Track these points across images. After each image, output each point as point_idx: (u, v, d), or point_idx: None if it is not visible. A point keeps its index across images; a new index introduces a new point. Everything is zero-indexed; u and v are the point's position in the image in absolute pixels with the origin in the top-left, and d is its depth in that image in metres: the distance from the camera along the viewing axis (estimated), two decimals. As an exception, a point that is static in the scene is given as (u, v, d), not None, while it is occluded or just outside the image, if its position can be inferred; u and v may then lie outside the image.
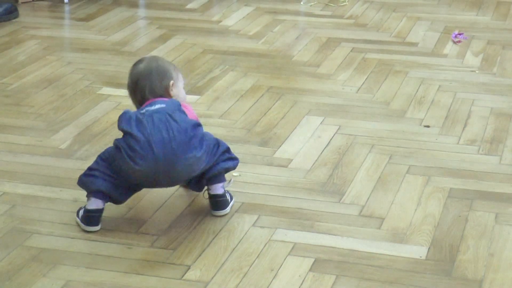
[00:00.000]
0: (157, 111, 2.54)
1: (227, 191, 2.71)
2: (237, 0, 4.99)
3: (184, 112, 2.56)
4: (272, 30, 4.45)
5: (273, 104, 3.49)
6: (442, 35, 4.33)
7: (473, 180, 2.87)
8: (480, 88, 3.65)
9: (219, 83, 3.73)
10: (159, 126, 2.49)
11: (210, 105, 3.50)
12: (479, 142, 3.15)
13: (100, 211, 2.57)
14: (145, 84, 2.65)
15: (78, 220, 2.60)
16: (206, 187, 2.66)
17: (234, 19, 4.66)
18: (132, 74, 2.71)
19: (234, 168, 2.69)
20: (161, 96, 2.64)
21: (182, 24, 4.55)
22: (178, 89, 2.70)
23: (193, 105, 3.47)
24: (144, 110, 2.56)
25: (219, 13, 4.77)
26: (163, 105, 2.56)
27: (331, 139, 3.18)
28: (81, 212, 2.60)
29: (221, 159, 2.63)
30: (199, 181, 2.65)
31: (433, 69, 3.88)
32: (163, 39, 4.32)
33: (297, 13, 4.78)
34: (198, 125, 2.56)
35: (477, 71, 3.85)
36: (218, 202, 2.66)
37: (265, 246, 2.49)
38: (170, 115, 2.51)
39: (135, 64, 2.73)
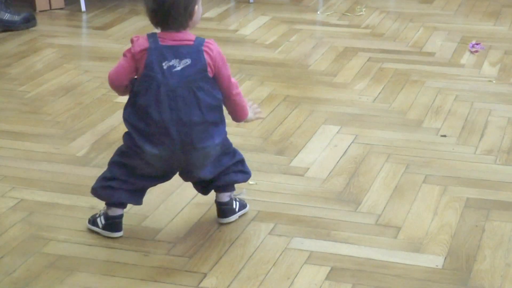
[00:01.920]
0: (179, 80, 2.40)
1: (240, 199, 2.72)
2: (253, 10, 5.01)
3: (208, 80, 2.43)
4: (288, 39, 4.47)
5: (290, 113, 3.51)
6: (459, 45, 4.33)
7: (490, 190, 2.87)
8: (497, 98, 3.65)
9: (235, 92, 3.75)
10: (181, 108, 2.42)
11: (226, 114, 3.50)
12: (496, 152, 3.15)
13: (122, 216, 2.60)
14: (170, 12, 2.42)
15: (96, 228, 2.62)
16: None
17: (250, 28, 4.68)
18: None
19: (243, 182, 2.69)
20: (182, 25, 2.43)
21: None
22: (199, 12, 2.49)
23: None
24: (166, 67, 2.40)
25: (236, 22, 4.80)
26: (188, 62, 2.41)
27: (347, 148, 3.19)
28: (99, 220, 2.62)
29: (233, 170, 2.62)
30: (205, 186, 2.65)
31: (450, 79, 3.88)
32: (180, 48, 4.34)
33: (313, 22, 4.79)
34: (219, 105, 2.49)
35: (494, 81, 3.85)
36: (222, 210, 2.67)
37: (281, 254, 2.50)
38: (194, 92, 2.41)
39: None
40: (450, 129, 3.34)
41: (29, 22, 4.64)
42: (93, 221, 2.65)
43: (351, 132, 3.33)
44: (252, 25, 4.73)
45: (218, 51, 2.48)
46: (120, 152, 2.58)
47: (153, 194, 2.81)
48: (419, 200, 2.81)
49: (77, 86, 3.83)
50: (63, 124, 3.44)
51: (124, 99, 3.62)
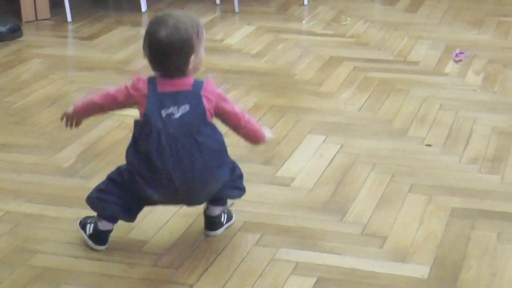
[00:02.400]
0: (179, 128, 2.39)
1: (228, 211, 2.71)
2: (239, 19, 5.02)
3: (208, 124, 2.43)
4: (274, 48, 4.48)
5: (276, 123, 3.51)
6: (443, 54, 4.34)
7: (475, 199, 2.87)
8: (482, 107, 3.66)
9: (221, 101, 3.74)
10: (183, 156, 2.41)
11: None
12: (480, 161, 3.16)
13: (110, 231, 2.58)
14: (162, 60, 2.43)
15: (82, 233, 2.60)
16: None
17: (236, 37, 4.69)
18: (150, 39, 2.43)
19: (238, 198, 2.68)
20: (179, 72, 2.43)
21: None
22: (198, 58, 2.46)
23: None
24: (165, 115, 2.40)
25: (221, 31, 4.80)
26: (186, 108, 2.41)
27: (333, 158, 3.19)
28: (88, 227, 2.60)
29: (230, 185, 2.59)
30: None
31: (435, 87, 3.89)
32: (166, 57, 4.33)
33: (299, 32, 4.80)
34: (221, 148, 2.48)
35: (478, 90, 3.86)
36: (211, 223, 2.66)
37: (267, 265, 2.50)
38: (195, 137, 2.40)
39: (156, 27, 2.42)
40: (435, 138, 3.35)
41: (15, 32, 4.64)
42: (83, 224, 2.63)
43: (337, 141, 3.33)
44: (238, 35, 4.73)
45: (216, 92, 2.46)
46: (120, 173, 2.55)
47: (139, 205, 2.80)
48: (404, 210, 2.81)
49: (63, 97, 3.83)
50: (49, 134, 3.43)
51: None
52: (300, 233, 2.66)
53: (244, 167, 2.98)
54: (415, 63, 4.24)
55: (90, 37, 4.70)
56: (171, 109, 2.42)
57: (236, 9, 5.15)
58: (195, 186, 2.47)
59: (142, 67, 4.18)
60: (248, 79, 4.02)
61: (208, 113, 2.43)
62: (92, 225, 2.60)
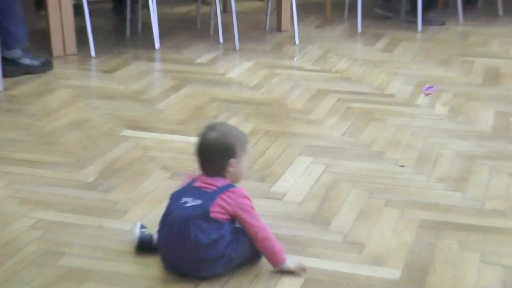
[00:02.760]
0: (182, 214, 2.39)
1: None
2: (239, 56, 5.06)
3: (212, 221, 2.37)
4: (269, 81, 4.51)
5: (270, 146, 3.54)
6: (415, 88, 4.37)
7: (441, 212, 2.91)
8: (448, 134, 3.69)
9: (224, 127, 3.78)
10: (175, 239, 2.40)
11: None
12: (446, 180, 3.19)
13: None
14: (206, 159, 2.47)
15: (137, 231, 2.60)
16: None
17: (237, 72, 4.73)
18: (201, 141, 2.49)
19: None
20: (217, 172, 2.47)
21: (192, 76, 4.62)
22: (239, 167, 2.48)
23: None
24: (182, 201, 2.43)
25: (224, 66, 4.84)
26: (198, 202, 2.41)
27: (319, 177, 3.22)
28: (143, 232, 2.61)
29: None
30: None
31: (408, 117, 3.93)
32: (176, 88, 4.38)
33: (291, 67, 4.85)
34: (211, 245, 2.37)
35: (445, 119, 3.89)
36: None
37: (262, 267, 2.52)
38: (190, 228, 2.36)
39: (207, 131, 2.49)
40: (408, 160, 3.38)
41: (46, 66, 4.67)
42: (142, 226, 2.64)
43: (323, 162, 3.36)
44: (238, 69, 4.77)
45: (236, 206, 2.41)
46: None
47: (151, 215, 2.84)
48: (380, 221, 2.84)
49: (87, 121, 3.86)
50: (74, 154, 3.46)
51: (126, 132, 3.69)
52: (290, 240, 2.69)
53: (242, 184, 3.01)
54: (391, 95, 4.28)
55: (110, 70, 4.74)
56: (187, 199, 2.44)
57: (237, 47, 5.20)
58: (179, 268, 2.44)
59: (155, 96, 4.24)
60: (247, 107, 4.06)
61: (213, 212, 2.38)
62: (147, 233, 2.61)
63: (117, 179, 3.20)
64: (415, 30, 5.68)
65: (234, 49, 5.18)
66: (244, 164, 2.52)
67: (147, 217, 2.85)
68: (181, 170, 3.27)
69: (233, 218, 2.46)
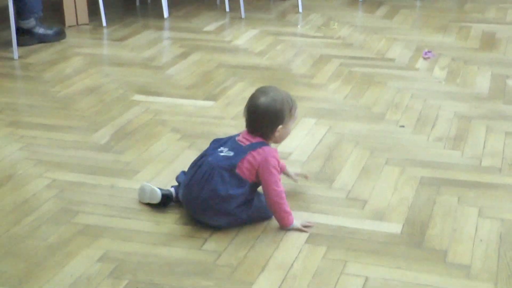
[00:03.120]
0: (213, 160, 2.40)
1: None
2: (245, 24, 5.00)
3: (232, 175, 2.38)
4: (274, 48, 4.46)
5: (275, 109, 3.50)
6: (415, 53, 4.33)
7: (440, 170, 2.88)
8: (446, 96, 3.65)
9: (230, 91, 3.74)
10: (198, 180, 2.40)
11: (223, 109, 3.52)
12: (445, 139, 3.15)
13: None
14: (255, 120, 2.45)
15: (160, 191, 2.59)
16: None
17: (243, 39, 4.67)
18: (251, 103, 2.46)
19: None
20: (263, 135, 2.45)
21: (200, 44, 4.57)
22: (284, 131, 2.48)
23: (209, 110, 3.50)
24: (219, 149, 2.44)
25: (230, 34, 4.79)
26: (231, 153, 2.41)
27: (323, 137, 3.19)
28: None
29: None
30: None
31: (407, 80, 3.88)
32: (184, 55, 4.33)
33: (295, 34, 4.79)
34: (225, 198, 2.37)
35: (443, 82, 3.85)
36: None
37: (268, 223, 2.51)
38: (214, 175, 2.37)
39: (259, 94, 2.46)
40: (407, 121, 3.34)
41: (60, 35, 4.62)
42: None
43: (326, 124, 3.33)
44: (244, 37, 4.72)
45: (264, 160, 2.39)
46: None
47: (162, 175, 2.82)
48: (382, 179, 2.82)
49: (99, 87, 3.83)
50: (88, 118, 3.43)
51: (137, 97, 3.66)
52: (296, 198, 2.67)
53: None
54: (391, 60, 4.23)
55: (121, 39, 4.69)
56: (223, 148, 2.45)
57: (243, 16, 5.14)
58: (189, 206, 2.46)
59: (164, 63, 4.20)
60: (253, 73, 4.02)
61: (240, 168, 2.38)
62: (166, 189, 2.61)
63: (129, 141, 3.17)
64: (414, -2, 5.61)
65: (240, 18, 5.12)
66: (289, 127, 2.51)
67: (157, 177, 2.82)
68: (190, 132, 3.24)
69: (258, 181, 2.43)
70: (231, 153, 2.43)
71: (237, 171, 2.40)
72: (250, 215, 2.45)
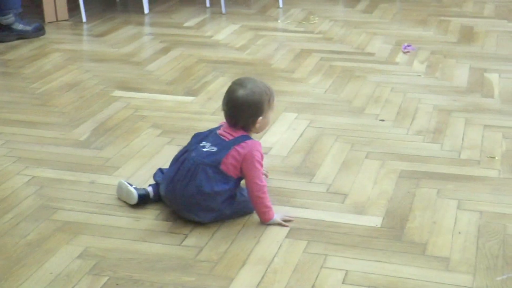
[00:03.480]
0: (196, 156, 2.39)
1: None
2: (226, 19, 4.98)
3: (217, 171, 2.36)
4: (255, 43, 4.45)
5: (256, 103, 3.48)
6: (394, 47, 4.33)
7: (419, 163, 2.88)
8: (425, 89, 3.65)
9: (211, 86, 3.72)
10: (181, 178, 2.39)
11: (203, 104, 3.50)
12: (424, 132, 3.16)
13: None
14: (235, 113, 2.42)
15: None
16: None
17: (223, 34, 4.65)
18: (229, 97, 2.43)
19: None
20: (243, 128, 2.44)
21: (180, 39, 4.54)
22: (264, 121, 2.46)
23: (189, 105, 3.48)
24: (201, 144, 2.42)
25: (211, 29, 4.76)
26: (214, 149, 2.40)
27: (303, 131, 3.18)
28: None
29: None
30: None
31: (387, 74, 3.88)
32: (164, 51, 4.30)
33: (275, 29, 4.77)
34: (211, 195, 2.35)
35: (422, 76, 3.86)
36: None
37: (249, 218, 2.49)
38: (198, 172, 2.35)
39: (236, 87, 2.43)
40: (387, 115, 3.34)
41: (39, 31, 4.58)
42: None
43: (307, 118, 3.32)
44: (225, 32, 4.70)
45: (248, 154, 2.37)
46: None
47: (142, 170, 2.80)
48: (362, 172, 2.81)
49: (79, 83, 3.79)
50: (68, 114, 3.40)
51: (117, 93, 3.63)
52: (276, 192, 2.65)
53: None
54: (371, 54, 4.23)
55: (101, 35, 4.65)
56: (207, 144, 2.42)
57: (223, 11, 5.12)
58: (174, 202, 2.44)
59: (144, 59, 4.17)
60: (233, 68, 4.00)
61: (225, 164, 2.36)
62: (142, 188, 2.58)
63: (109, 137, 3.14)
64: (394, -8, 5.61)
65: (221, 13, 5.09)
66: (269, 118, 2.49)
67: (138, 173, 2.80)
68: (171, 128, 3.21)
69: (242, 176, 2.42)
70: (215, 149, 2.40)
71: (222, 167, 2.38)
72: (235, 210, 2.44)
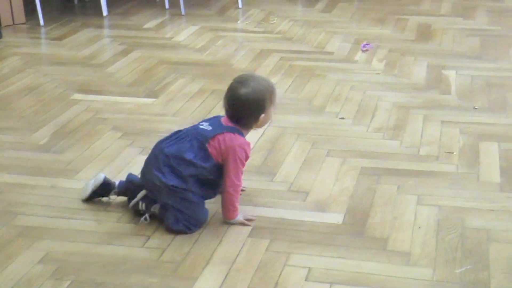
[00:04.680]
0: (191, 129, 2.43)
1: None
2: (185, 20, 4.97)
3: (203, 150, 2.36)
4: (215, 44, 4.45)
5: (216, 104, 3.49)
6: (353, 46, 4.36)
7: (380, 160, 2.91)
8: (384, 87, 3.69)
9: (171, 88, 3.72)
10: (171, 139, 2.41)
11: (164, 106, 3.49)
12: (384, 129, 3.19)
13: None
14: (236, 109, 2.41)
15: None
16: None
17: (183, 35, 4.64)
18: (231, 95, 2.42)
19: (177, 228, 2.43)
20: (244, 125, 2.44)
21: (140, 41, 4.52)
22: (266, 117, 2.45)
23: (150, 107, 3.47)
24: (201, 123, 2.47)
25: (171, 31, 4.75)
26: (209, 128, 2.41)
27: (265, 130, 3.18)
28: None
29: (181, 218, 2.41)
30: None
31: (346, 72, 3.92)
32: (124, 53, 4.28)
33: (235, 30, 4.78)
34: (190, 163, 2.35)
35: (381, 74, 3.90)
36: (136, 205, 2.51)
37: (211, 218, 2.50)
38: (184, 140, 2.38)
39: (238, 84, 2.43)
40: (347, 113, 3.37)
41: (-5, 35, 4.52)
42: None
43: (267, 117, 3.32)
44: (185, 33, 4.69)
45: (232, 148, 2.37)
46: None
47: (105, 171, 2.78)
48: (323, 170, 2.83)
49: (38, 87, 3.75)
50: (27, 118, 3.36)
51: (77, 96, 3.60)
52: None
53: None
54: (331, 53, 4.26)
55: (60, 38, 4.61)
56: (205, 123, 2.45)
57: (183, 12, 5.11)
58: (151, 162, 2.42)
59: (104, 61, 4.14)
60: (193, 69, 3.99)
61: (210, 144, 2.37)
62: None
63: (69, 140, 3.11)
64: (352, -9, 5.66)
65: (180, 14, 5.08)
66: (271, 113, 2.48)
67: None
68: (131, 130, 3.20)
69: (222, 164, 2.40)
70: (209, 128, 2.41)
71: (207, 145, 2.38)
72: (187, 200, 2.38)
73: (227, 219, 2.45)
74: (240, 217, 2.45)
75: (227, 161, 2.39)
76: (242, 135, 2.44)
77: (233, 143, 2.39)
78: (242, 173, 2.43)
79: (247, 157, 2.44)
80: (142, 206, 2.47)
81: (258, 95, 2.41)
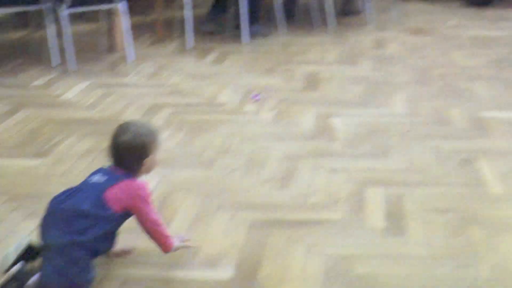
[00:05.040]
0: (83, 184, 2.39)
1: None
2: (76, 76, 4.90)
3: (100, 200, 2.31)
4: (104, 100, 4.40)
5: (105, 162, 3.42)
6: (244, 96, 4.42)
7: (269, 211, 2.92)
8: (274, 137, 3.74)
9: (60, 147, 3.63)
10: (65, 194, 2.36)
11: (52, 167, 3.40)
12: (273, 180, 3.22)
13: None
14: (121, 156, 2.40)
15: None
16: None
17: (73, 92, 4.57)
18: (113, 141, 2.42)
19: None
20: (131, 171, 2.40)
21: (27, 100, 4.42)
22: (151, 162, 2.45)
23: (37, 168, 3.37)
24: (90, 177, 2.42)
25: (60, 88, 4.67)
26: (105, 177, 2.37)
27: (156, 186, 3.15)
28: None
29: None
30: None
31: (237, 124, 3.95)
32: (10, 113, 4.16)
33: (126, 85, 4.74)
34: (81, 214, 2.28)
35: (271, 124, 3.95)
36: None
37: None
38: (78, 191, 2.33)
39: (119, 131, 2.43)
40: (238, 164, 3.39)
41: None
42: None
43: (158, 172, 3.25)
44: (74, 90, 4.61)
45: (135, 195, 2.34)
46: None
47: None
48: (213, 225, 2.82)
49: None
50: None
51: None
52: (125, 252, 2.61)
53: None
54: (222, 104, 4.29)
55: None
56: (94, 177, 2.40)
57: (73, 68, 5.04)
58: (48, 221, 2.34)
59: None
60: (82, 127, 3.93)
61: (108, 194, 2.32)
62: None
63: (-51, 208, 2.98)
64: (241, 42, 5.75)
65: (69, 71, 5.01)
66: (156, 157, 2.47)
67: None
68: (17, 193, 3.10)
69: (123, 213, 2.35)
70: (104, 178, 2.37)
71: (104, 195, 2.33)
72: (77, 253, 2.27)
73: (168, 250, 2.44)
74: (177, 243, 2.47)
75: (136, 207, 2.37)
76: (134, 178, 2.43)
77: (133, 188, 2.37)
78: (154, 207, 2.42)
79: (150, 194, 2.43)
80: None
81: (139, 140, 2.41)
